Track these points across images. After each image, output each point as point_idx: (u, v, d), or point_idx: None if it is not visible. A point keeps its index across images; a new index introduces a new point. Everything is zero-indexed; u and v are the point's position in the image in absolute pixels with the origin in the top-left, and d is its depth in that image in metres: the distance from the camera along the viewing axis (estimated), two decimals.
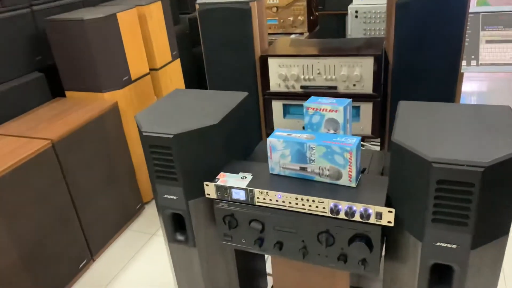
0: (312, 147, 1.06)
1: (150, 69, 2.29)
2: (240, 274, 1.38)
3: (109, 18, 1.93)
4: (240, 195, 1.12)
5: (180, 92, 1.39)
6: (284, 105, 1.86)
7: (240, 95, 1.32)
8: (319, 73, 1.76)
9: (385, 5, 2.40)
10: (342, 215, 1.01)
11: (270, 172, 1.15)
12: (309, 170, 1.10)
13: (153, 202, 2.38)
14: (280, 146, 1.10)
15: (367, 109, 1.76)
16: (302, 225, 1.08)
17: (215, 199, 1.16)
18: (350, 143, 1.03)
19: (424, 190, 0.90)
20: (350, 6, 2.48)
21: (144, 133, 1.14)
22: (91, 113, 1.86)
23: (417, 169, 0.91)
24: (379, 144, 1.97)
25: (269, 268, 1.55)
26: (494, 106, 1.08)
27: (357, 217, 1.00)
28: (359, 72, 1.69)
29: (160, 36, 2.31)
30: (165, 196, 1.22)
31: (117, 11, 1.96)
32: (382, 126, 1.80)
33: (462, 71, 1.63)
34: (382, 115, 1.77)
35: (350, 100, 1.13)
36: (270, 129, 1.91)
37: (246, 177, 1.14)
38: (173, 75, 2.49)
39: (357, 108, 1.78)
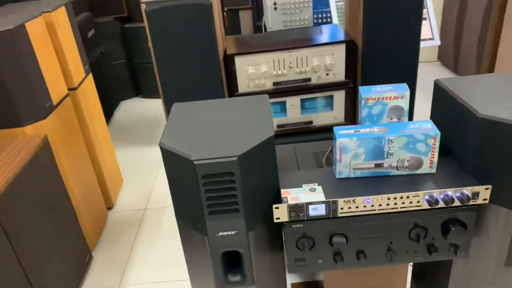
0: (391, 139, 0.97)
1: (69, 89, 1.86)
2: None
3: (19, 30, 1.48)
4: (318, 211, 0.96)
5: (185, 107, 1.14)
6: None
7: (259, 99, 1.14)
8: (291, 67, 1.66)
9: None
10: (441, 205, 0.95)
11: (338, 176, 1.02)
12: (385, 165, 1.00)
13: (99, 248, 1.97)
14: (353, 145, 0.98)
15: (340, 97, 1.74)
16: (393, 226, 0.99)
17: (287, 222, 0.98)
18: (430, 128, 0.97)
19: None
20: None
21: (196, 163, 0.88)
22: (20, 157, 1.41)
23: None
24: None
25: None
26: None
27: (456, 203, 0.95)
28: (331, 61, 1.65)
29: (71, 48, 1.89)
30: (220, 234, 0.98)
31: (24, 21, 1.52)
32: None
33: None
34: (355, 101, 1.78)
35: (404, 83, 1.07)
36: None
37: (315, 189, 0.99)
38: (90, 94, 2.07)
39: (330, 98, 1.75)
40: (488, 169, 0.97)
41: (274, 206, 0.95)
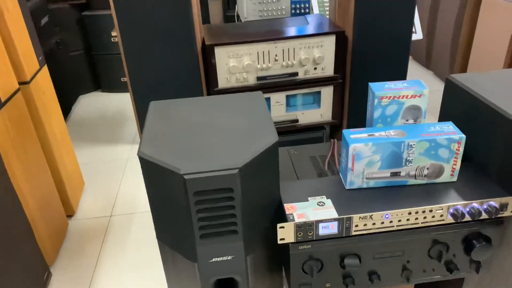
0: (411, 144, 0.84)
1: (20, 83, 1.61)
2: None
3: None
4: (330, 229, 0.82)
5: (164, 106, 0.96)
6: None
7: (252, 96, 0.98)
8: (276, 60, 1.50)
9: None
10: (466, 218, 0.84)
11: (348, 187, 0.89)
12: (402, 174, 0.88)
13: (59, 263, 1.74)
14: (368, 151, 0.84)
15: (327, 93, 1.61)
16: (412, 243, 0.87)
17: (292, 243, 0.83)
18: (453, 131, 0.85)
19: None
20: None
21: (187, 177, 0.71)
22: None
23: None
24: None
25: None
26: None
27: (483, 216, 0.84)
28: (320, 53, 1.51)
29: (22, 37, 1.64)
30: (214, 259, 0.82)
31: None
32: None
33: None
34: (343, 98, 1.65)
35: (419, 80, 0.94)
36: None
37: (324, 203, 0.85)
38: (45, 88, 1.83)
39: (317, 94, 1.61)
40: None
41: (278, 225, 0.80)
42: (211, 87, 1.50)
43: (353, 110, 1.67)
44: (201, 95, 1.50)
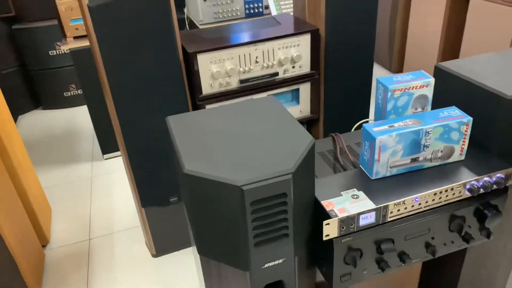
0: (428, 131, 0.91)
1: None
2: None
3: None
4: (369, 219, 0.87)
5: (183, 120, 0.95)
6: None
7: (267, 101, 1.00)
8: (257, 62, 1.52)
9: None
10: (480, 192, 0.93)
11: (374, 177, 0.94)
12: (420, 159, 0.95)
13: (44, 284, 1.63)
14: (392, 142, 0.90)
15: (306, 89, 1.66)
16: (436, 220, 0.94)
17: (336, 237, 0.87)
18: (460, 114, 0.94)
19: None
20: None
21: (245, 188, 0.72)
22: None
23: None
24: None
25: None
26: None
27: (494, 187, 0.94)
28: (297, 52, 1.56)
29: None
30: (266, 265, 0.83)
31: None
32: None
33: None
34: (319, 93, 1.71)
35: (421, 70, 1.02)
36: None
37: (357, 195, 0.90)
38: (2, 111, 1.68)
39: (296, 91, 1.66)
40: None
41: (324, 222, 0.83)
42: (195, 94, 1.49)
43: (328, 104, 1.74)
44: (185, 103, 1.48)
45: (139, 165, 1.52)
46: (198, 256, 0.91)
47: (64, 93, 3.14)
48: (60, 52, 2.99)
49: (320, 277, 1.23)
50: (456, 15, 2.63)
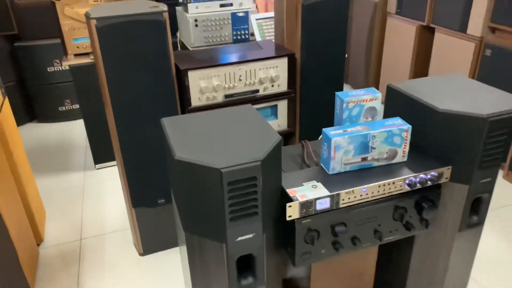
0: (374, 135, 1.12)
1: None
2: None
3: None
4: (324, 204, 1.07)
5: (175, 121, 1.14)
6: None
7: (245, 109, 1.20)
8: (240, 80, 1.74)
9: (222, 12, 2.52)
10: (417, 187, 1.14)
11: (331, 172, 1.14)
12: (369, 158, 1.15)
13: (40, 282, 1.76)
14: (345, 143, 1.11)
15: (283, 106, 1.88)
16: (381, 209, 1.14)
17: (297, 218, 1.06)
18: (402, 123, 1.15)
19: None
20: (188, 15, 2.46)
21: (224, 171, 0.91)
22: None
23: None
24: None
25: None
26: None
27: (429, 183, 1.15)
28: (276, 73, 1.78)
29: None
30: (239, 239, 1.01)
31: None
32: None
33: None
34: (295, 110, 1.93)
35: (373, 88, 1.24)
36: None
37: (316, 185, 1.09)
38: (9, 119, 1.85)
39: (274, 107, 1.87)
40: (447, 154, 1.18)
41: (287, 204, 1.03)
42: (185, 105, 1.69)
43: (303, 119, 1.95)
44: (176, 113, 1.68)
45: (132, 168, 1.69)
46: (183, 235, 1.08)
47: (59, 108, 3.31)
48: (58, 69, 3.19)
49: (289, 274, 1.41)
50: (424, 46, 2.91)
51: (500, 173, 2.44)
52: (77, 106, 3.34)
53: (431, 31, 2.81)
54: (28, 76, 3.20)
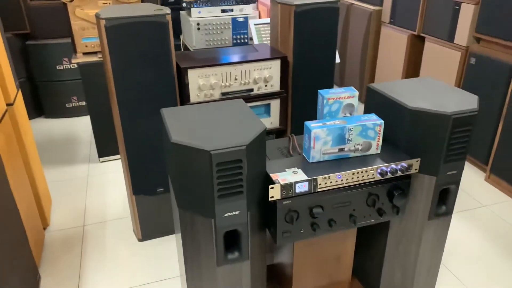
0: (350, 128, 1.26)
1: (6, 105, 1.78)
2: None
3: None
4: (303, 188, 1.20)
5: (173, 111, 1.28)
6: None
7: (235, 102, 1.34)
8: (236, 79, 1.88)
9: (223, 17, 2.67)
10: (388, 176, 1.27)
11: (311, 161, 1.28)
12: (346, 149, 1.29)
13: (45, 268, 1.89)
14: (323, 134, 1.24)
15: (275, 105, 2.02)
16: (355, 195, 1.27)
17: (278, 199, 1.19)
18: (376, 118, 1.29)
19: None
20: (191, 19, 2.60)
21: (213, 153, 1.05)
22: None
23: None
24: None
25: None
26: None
27: (398, 173, 1.28)
28: (269, 74, 1.92)
29: (4, 62, 1.82)
30: (226, 215, 1.14)
31: None
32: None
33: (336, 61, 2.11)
34: (287, 108, 2.07)
35: (351, 87, 1.38)
36: None
37: (297, 171, 1.23)
38: (21, 110, 1.99)
39: (267, 106, 2.01)
40: (416, 147, 1.32)
41: (270, 186, 1.16)
42: (184, 101, 1.83)
43: (294, 118, 2.09)
44: None
45: (134, 158, 1.83)
46: (177, 214, 1.22)
47: (66, 104, 3.47)
48: (66, 67, 3.34)
49: (275, 260, 1.54)
50: (415, 53, 3.05)
51: (482, 175, 2.57)
52: (83, 102, 3.50)
53: (422, 40, 2.95)
54: (38, 73, 3.35)
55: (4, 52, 1.84)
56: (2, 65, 1.76)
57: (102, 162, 2.79)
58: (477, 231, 2.11)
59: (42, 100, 3.48)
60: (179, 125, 1.17)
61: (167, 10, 1.68)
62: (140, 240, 2.05)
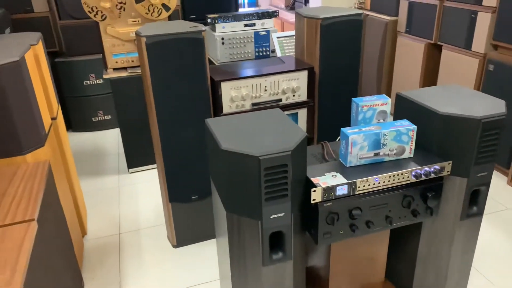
0: (385, 134, 1.33)
1: (51, 119, 1.89)
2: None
3: (22, 61, 1.54)
4: (343, 191, 1.27)
5: (218, 121, 1.37)
6: None
7: (274, 112, 1.42)
8: (265, 90, 1.97)
9: (246, 31, 2.78)
10: (422, 178, 1.34)
11: (348, 165, 1.35)
12: (381, 154, 1.36)
13: (86, 275, 1.98)
14: (360, 140, 1.32)
15: (303, 113, 2.10)
16: (391, 197, 1.34)
17: (320, 202, 1.26)
18: (409, 124, 1.36)
19: None
20: (216, 34, 2.71)
21: (261, 158, 1.13)
22: (37, 183, 1.45)
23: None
24: None
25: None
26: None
27: (432, 175, 1.34)
28: (297, 84, 2.01)
29: (49, 79, 1.93)
30: (272, 216, 1.22)
31: (23, 52, 1.59)
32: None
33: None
34: (314, 117, 2.15)
35: (383, 95, 1.45)
36: None
37: (336, 175, 1.30)
38: (61, 123, 2.10)
39: (295, 115, 2.09)
40: (447, 151, 1.38)
41: (312, 189, 1.23)
42: (217, 112, 1.92)
43: (321, 126, 2.17)
44: None
45: (170, 166, 1.92)
46: (223, 217, 1.30)
47: (93, 118, 3.59)
48: (93, 83, 3.47)
49: (310, 263, 1.61)
50: (432, 62, 3.12)
51: (504, 179, 2.61)
52: (109, 116, 3.62)
53: (439, 48, 3.02)
54: (66, 89, 3.49)
55: (47, 70, 1.96)
56: (47, 82, 1.87)
57: (131, 173, 2.89)
58: (504, 233, 2.15)
59: (70, 114, 3.61)
60: (226, 134, 1.26)
61: (202, 27, 1.78)
62: (174, 246, 2.13)
